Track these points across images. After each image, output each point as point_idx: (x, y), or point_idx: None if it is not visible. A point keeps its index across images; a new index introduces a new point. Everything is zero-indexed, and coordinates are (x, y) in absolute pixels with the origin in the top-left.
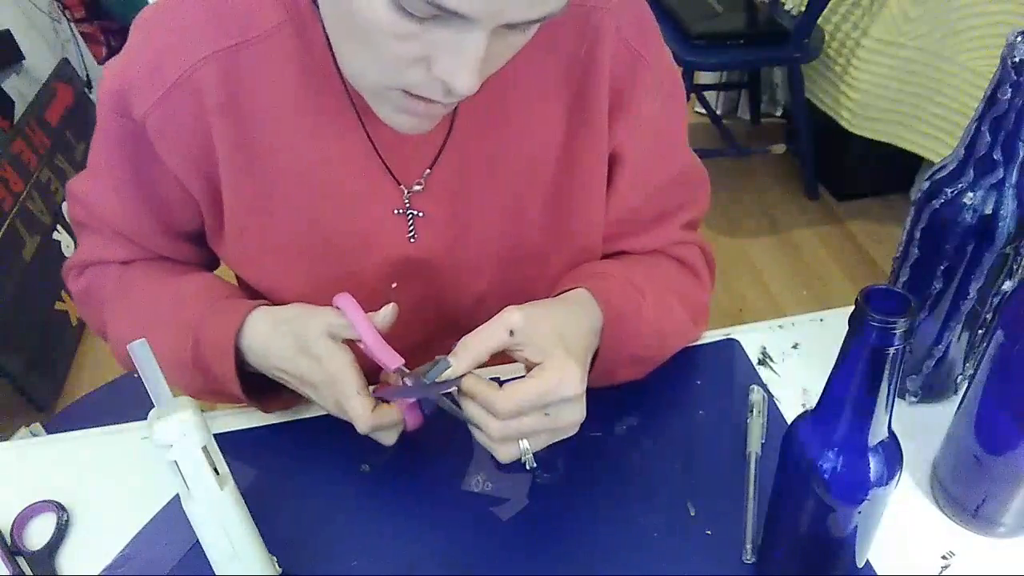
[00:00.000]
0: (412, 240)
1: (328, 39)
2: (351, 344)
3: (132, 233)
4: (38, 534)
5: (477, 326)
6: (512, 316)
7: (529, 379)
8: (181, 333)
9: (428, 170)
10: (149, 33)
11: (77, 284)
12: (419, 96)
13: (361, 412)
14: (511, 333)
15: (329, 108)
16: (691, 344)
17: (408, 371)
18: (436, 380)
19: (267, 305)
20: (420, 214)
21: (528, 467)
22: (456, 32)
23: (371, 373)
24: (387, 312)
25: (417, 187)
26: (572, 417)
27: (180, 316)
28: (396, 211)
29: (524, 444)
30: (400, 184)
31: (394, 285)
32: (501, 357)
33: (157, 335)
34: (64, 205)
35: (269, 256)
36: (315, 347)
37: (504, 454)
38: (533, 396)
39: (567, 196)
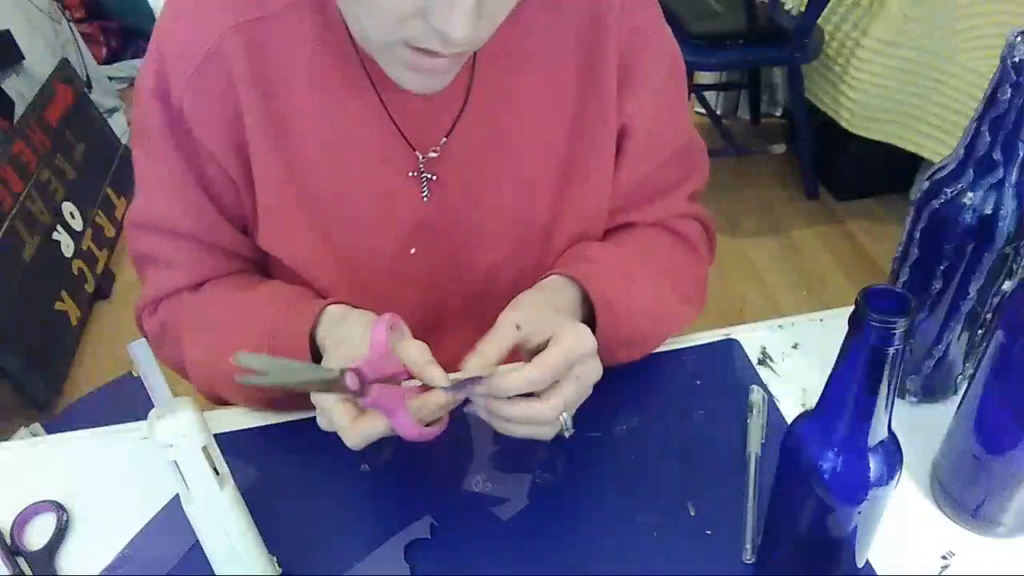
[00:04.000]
0: (425, 200)
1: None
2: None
3: (197, 229)
4: (38, 534)
5: (490, 299)
6: (512, 315)
7: (550, 348)
8: (255, 345)
9: (444, 139)
10: (177, 12)
11: (152, 323)
12: (422, 50)
13: (343, 421)
14: (518, 328)
15: (346, 78)
16: (691, 344)
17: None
18: (461, 379)
19: (339, 303)
20: (434, 177)
21: (567, 434)
22: None
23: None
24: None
25: (433, 154)
26: (596, 373)
27: (253, 328)
28: (411, 173)
29: (564, 416)
30: (415, 150)
31: (412, 251)
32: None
33: (230, 349)
34: (64, 205)
35: (296, 231)
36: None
37: (550, 432)
38: (561, 359)
39: (576, 169)
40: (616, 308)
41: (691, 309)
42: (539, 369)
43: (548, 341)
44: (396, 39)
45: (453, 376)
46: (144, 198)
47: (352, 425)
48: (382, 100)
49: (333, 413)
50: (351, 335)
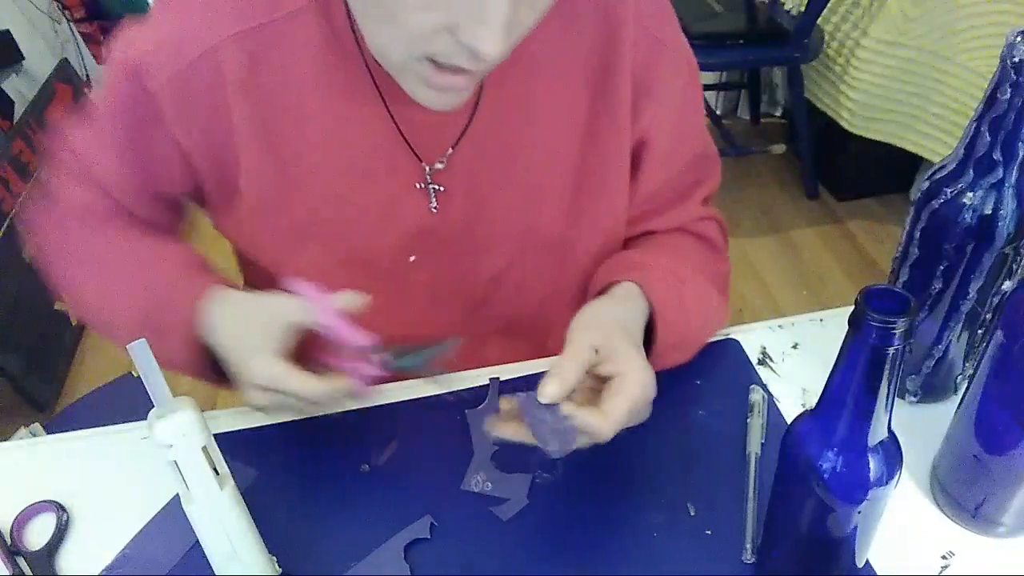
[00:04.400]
0: (433, 211)
1: (350, 19)
2: (318, 353)
3: (114, 187)
4: (38, 534)
5: (492, 305)
6: (589, 335)
7: (618, 397)
8: (142, 300)
9: (450, 150)
10: (174, 10)
11: (41, 208)
12: (446, 66)
13: (312, 381)
14: (596, 352)
15: (352, 87)
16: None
17: (384, 349)
18: (536, 400)
19: (231, 286)
20: (441, 188)
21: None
22: None
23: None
24: (347, 297)
25: (439, 165)
26: (647, 414)
27: (147, 281)
28: (417, 185)
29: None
30: (422, 162)
31: (412, 258)
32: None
33: (117, 296)
34: None
35: (285, 229)
36: (252, 340)
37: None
38: (626, 412)
39: (590, 182)
40: (671, 315)
41: (726, 307)
42: (609, 421)
43: (616, 373)
44: (420, 55)
45: (524, 396)
46: (86, 127)
47: (325, 382)
48: (388, 109)
49: (295, 379)
50: (258, 311)
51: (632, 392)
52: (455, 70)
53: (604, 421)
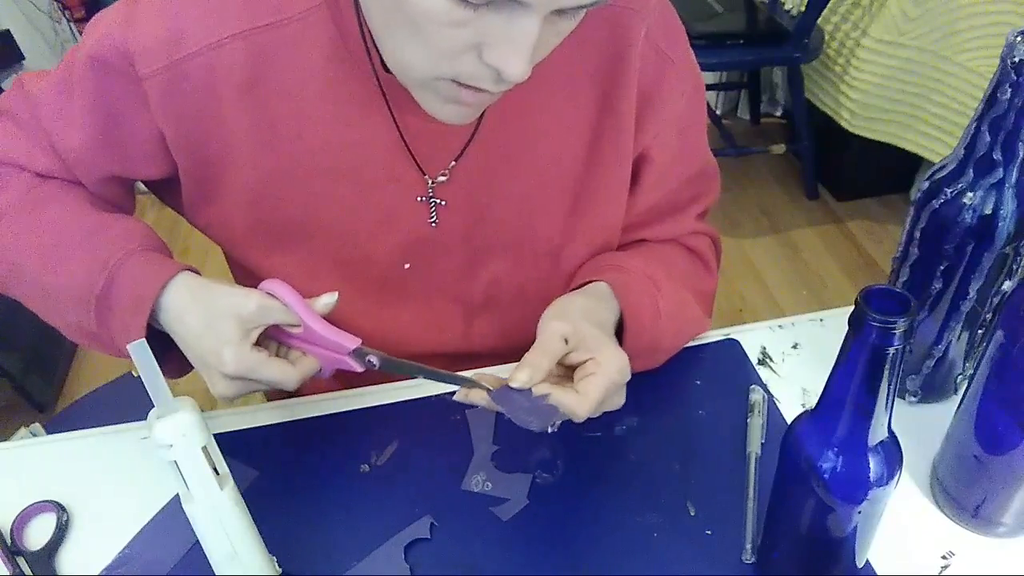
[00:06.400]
0: (433, 226)
1: (362, 27)
2: (279, 333)
3: (70, 157)
4: (38, 534)
5: (488, 311)
6: (560, 326)
7: (593, 377)
8: (95, 269)
9: (454, 162)
10: (178, 1)
11: None
12: (468, 85)
13: (282, 374)
14: (566, 342)
15: (358, 95)
16: (691, 344)
17: (369, 349)
18: (508, 389)
19: (196, 272)
20: (443, 203)
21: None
22: (509, 18)
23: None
24: (328, 298)
25: (442, 178)
26: (621, 401)
27: (100, 251)
28: (419, 198)
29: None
30: (425, 175)
31: (407, 266)
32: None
33: (65, 262)
34: None
35: (277, 230)
36: (224, 331)
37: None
38: (603, 393)
39: (588, 195)
40: (643, 319)
41: (707, 320)
42: (586, 401)
43: (588, 360)
44: (443, 74)
45: (485, 372)
46: (53, 88)
47: (299, 368)
48: (393, 117)
49: (271, 368)
50: (232, 305)
51: (608, 372)
52: (476, 90)
53: (580, 400)
